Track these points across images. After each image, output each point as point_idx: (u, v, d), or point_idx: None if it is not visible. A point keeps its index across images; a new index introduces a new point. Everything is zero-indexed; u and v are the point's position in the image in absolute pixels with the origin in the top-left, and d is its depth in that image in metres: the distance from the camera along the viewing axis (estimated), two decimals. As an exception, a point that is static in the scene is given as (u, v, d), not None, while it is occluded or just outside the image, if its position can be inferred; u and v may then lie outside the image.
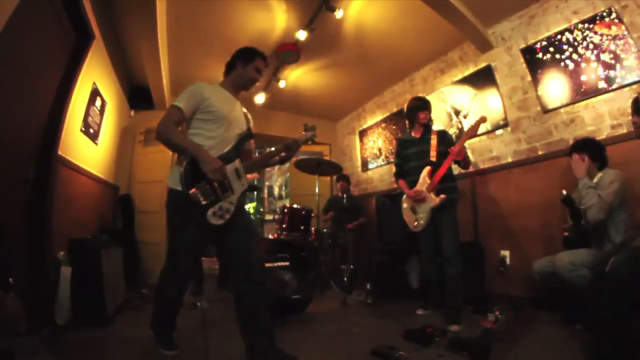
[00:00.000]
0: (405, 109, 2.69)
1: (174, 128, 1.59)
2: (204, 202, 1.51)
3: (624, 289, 1.40)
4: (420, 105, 2.56)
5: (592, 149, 2.07)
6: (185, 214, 1.58)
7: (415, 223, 2.49)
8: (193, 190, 1.50)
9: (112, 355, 1.77)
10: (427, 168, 2.42)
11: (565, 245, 2.14)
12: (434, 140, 2.48)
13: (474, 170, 3.26)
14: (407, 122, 2.70)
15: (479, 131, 2.50)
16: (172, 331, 1.77)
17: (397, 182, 2.69)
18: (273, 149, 1.82)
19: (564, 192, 2.13)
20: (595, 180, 2.03)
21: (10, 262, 1.63)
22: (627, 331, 1.33)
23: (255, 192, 7.50)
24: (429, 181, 2.40)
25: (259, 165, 1.77)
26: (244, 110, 1.86)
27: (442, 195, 2.32)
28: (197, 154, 1.54)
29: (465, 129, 3.43)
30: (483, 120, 2.32)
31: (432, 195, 2.37)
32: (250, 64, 1.79)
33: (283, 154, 1.82)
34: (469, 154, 2.97)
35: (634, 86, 2.25)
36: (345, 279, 3.27)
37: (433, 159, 2.43)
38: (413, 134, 2.62)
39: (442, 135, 2.55)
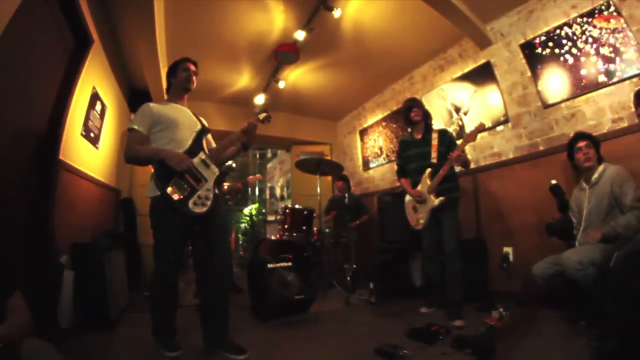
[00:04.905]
0: None
1: (137, 147, 1.72)
2: (181, 196, 1.63)
3: (629, 284, 1.39)
4: (409, 105, 2.61)
5: (595, 142, 2.11)
6: (168, 214, 1.66)
7: (417, 222, 2.53)
8: (169, 188, 1.63)
9: (115, 358, 1.77)
10: (428, 170, 2.45)
11: (547, 230, 2.18)
12: (435, 141, 2.50)
13: (475, 167, 3.25)
14: (407, 124, 2.71)
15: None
16: (174, 335, 1.78)
17: (400, 180, 2.71)
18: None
19: (553, 181, 2.14)
20: (595, 175, 2.04)
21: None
22: (632, 326, 1.32)
23: (258, 191, 7.65)
24: (429, 183, 2.42)
25: (222, 151, 1.88)
26: (193, 113, 1.95)
27: (441, 198, 2.36)
28: (160, 154, 1.68)
29: (466, 126, 3.43)
30: (482, 127, 2.31)
31: (432, 196, 2.40)
32: (177, 72, 1.91)
33: (243, 138, 1.90)
34: (468, 151, 2.96)
35: (634, 79, 2.24)
36: (348, 278, 3.26)
37: (434, 160, 2.45)
38: (414, 134, 2.64)
39: (443, 134, 2.56)
